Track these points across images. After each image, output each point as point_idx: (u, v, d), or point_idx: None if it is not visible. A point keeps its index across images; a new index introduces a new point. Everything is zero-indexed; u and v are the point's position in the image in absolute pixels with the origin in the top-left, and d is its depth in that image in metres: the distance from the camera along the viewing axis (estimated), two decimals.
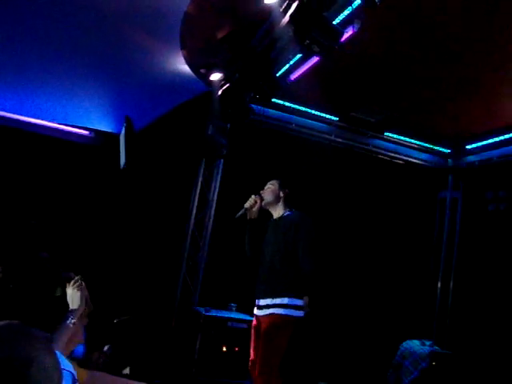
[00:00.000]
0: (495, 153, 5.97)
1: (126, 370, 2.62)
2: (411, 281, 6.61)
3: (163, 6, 3.59)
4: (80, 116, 5.73)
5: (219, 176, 5.82)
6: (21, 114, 5.59)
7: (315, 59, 4.04)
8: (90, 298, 2.11)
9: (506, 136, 5.64)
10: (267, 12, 3.57)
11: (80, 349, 2.37)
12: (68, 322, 1.90)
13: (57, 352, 1.07)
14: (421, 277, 6.75)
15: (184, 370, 4.96)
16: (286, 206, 3.83)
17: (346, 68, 4.67)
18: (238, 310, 5.35)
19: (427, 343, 5.53)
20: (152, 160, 5.55)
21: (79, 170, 5.67)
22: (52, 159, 5.60)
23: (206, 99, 4.94)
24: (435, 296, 6.70)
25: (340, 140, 6.22)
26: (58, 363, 1.02)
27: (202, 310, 5.13)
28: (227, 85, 4.64)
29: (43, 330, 1.08)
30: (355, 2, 3.27)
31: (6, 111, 5.52)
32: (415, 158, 6.65)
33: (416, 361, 5.31)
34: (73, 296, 2.03)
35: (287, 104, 5.81)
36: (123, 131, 5.27)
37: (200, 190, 5.77)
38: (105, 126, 5.87)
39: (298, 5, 3.21)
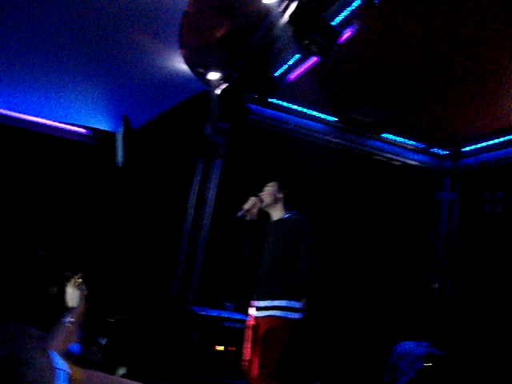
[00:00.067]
0: (492, 155, 6.00)
1: (123, 370, 2.61)
2: (408, 281, 6.63)
3: (162, 4, 3.59)
4: (78, 114, 5.72)
5: (217, 175, 5.82)
6: (18, 112, 5.58)
7: (314, 59, 4.04)
8: (86, 297, 2.10)
9: (503, 138, 5.66)
10: (266, 12, 3.58)
11: (76, 346, 2.37)
12: (65, 321, 1.89)
13: (52, 351, 1.06)
14: (417, 278, 6.76)
15: (179, 369, 4.95)
16: (286, 207, 3.83)
17: (344, 69, 4.68)
18: (234, 310, 5.35)
19: (423, 344, 5.55)
20: (149, 159, 5.55)
21: (76, 168, 5.66)
22: (49, 157, 5.59)
23: (204, 98, 4.94)
24: (432, 297, 6.71)
25: (337, 141, 6.23)
26: (51, 363, 1.02)
27: (197, 309, 5.12)
28: (225, 84, 4.63)
29: (39, 328, 1.07)
30: (354, 3, 3.28)
31: (3, 109, 5.51)
32: (412, 160, 6.67)
33: (412, 362, 5.32)
34: (72, 295, 2.03)
35: (285, 104, 5.81)
36: (121, 130, 5.26)
37: (197, 189, 5.77)
38: (103, 125, 5.86)
39: (297, 5, 3.21)
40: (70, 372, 1.83)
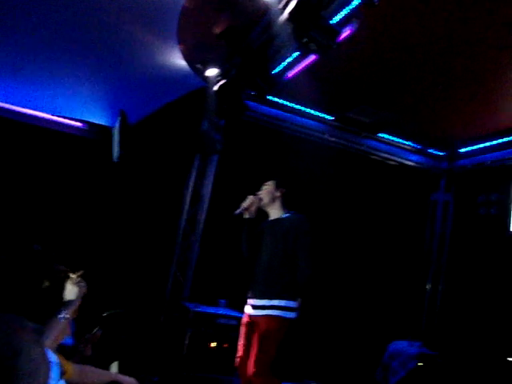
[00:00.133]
0: (488, 157, 6.02)
1: (115, 366, 2.61)
2: (401, 282, 6.65)
3: (161, 0, 3.58)
4: (74, 108, 5.69)
5: (213, 172, 5.81)
6: (14, 105, 5.54)
7: (312, 58, 4.03)
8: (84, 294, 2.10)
9: (500, 141, 5.68)
10: (265, 9, 3.57)
11: (69, 339, 2.36)
12: (61, 316, 1.89)
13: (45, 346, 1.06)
14: (410, 278, 6.78)
15: (173, 365, 4.95)
16: (283, 206, 3.84)
17: (342, 67, 4.68)
18: (228, 307, 5.35)
19: (415, 344, 5.57)
20: (145, 154, 5.53)
21: (72, 162, 5.63)
22: (44, 150, 5.56)
23: (202, 94, 4.93)
24: (424, 297, 6.74)
25: (334, 139, 6.23)
26: (45, 355, 1.02)
27: (191, 305, 5.12)
28: (223, 81, 4.62)
29: (33, 322, 1.07)
30: (354, 2, 3.27)
31: None
32: (408, 160, 6.69)
33: (404, 361, 5.35)
34: (71, 292, 2.03)
35: (282, 102, 5.81)
36: (117, 124, 5.24)
37: (193, 185, 5.76)
38: (99, 119, 5.84)
39: (296, 2, 3.20)
40: (62, 366, 1.82)
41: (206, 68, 4.66)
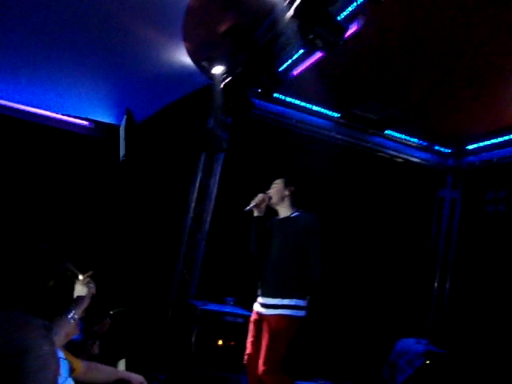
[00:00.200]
0: (495, 154, 5.98)
1: (122, 364, 2.62)
2: (408, 279, 6.63)
3: None
4: (80, 106, 5.70)
5: (219, 170, 5.81)
6: (19, 103, 5.56)
7: (318, 55, 4.02)
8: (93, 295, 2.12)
9: (507, 137, 5.63)
10: (271, 5, 3.55)
11: (77, 335, 2.37)
12: (70, 316, 1.89)
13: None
14: (417, 276, 6.76)
15: (179, 362, 4.96)
16: (293, 204, 3.83)
17: (348, 64, 4.65)
18: (235, 304, 5.35)
19: (422, 342, 5.55)
20: (152, 152, 5.53)
21: (78, 161, 5.64)
22: (51, 149, 5.58)
23: (208, 92, 4.92)
24: (431, 295, 6.71)
25: (340, 137, 6.21)
26: (55, 351, 1.01)
27: (198, 303, 5.13)
28: (229, 78, 4.62)
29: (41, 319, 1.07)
30: None
31: (5, 100, 5.49)
32: (415, 157, 6.65)
33: (410, 359, 5.32)
34: (80, 292, 2.04)
35: (289, 99, 5.79)
36: (123, 123, 5.25)
37: (199, 183, 5.76)
38: (105, 117, 5.85)
39: None
40: (72, 364, 1.83)
41: (211, 66, 4.65)
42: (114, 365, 2.62)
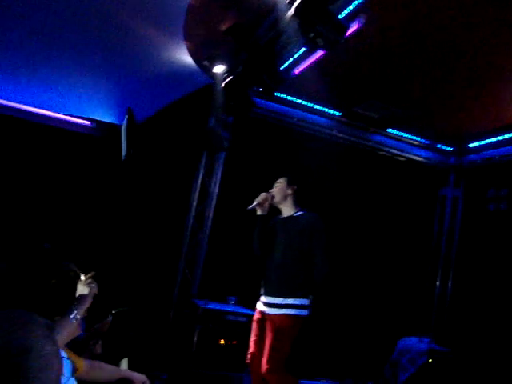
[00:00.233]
0: (497, 152, 5.96)
1: (125, 363, 2.63)
2: (410, 278, 6.62)
3: None
4: (82, 106, 5.71)
5: (220, 169, 5.81)
6: (21, 103, 5.57)
7: (319, 53, 4.02)
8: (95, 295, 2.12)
9: (509, 135, 5.61)
10: (272, 4, 3.55)
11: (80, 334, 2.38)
12: (72, 317, 1.89)
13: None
14: (419, 274, 6.75)
15: (182, 362, 4.97)
16: (296, 203, 3.83)
17: (349, 62, 4.64)
18: (237, 304, 5.36)
19: (425, 340, 5.54)
20: (153, 152, 5.54)
21: (80, 161, 5.65)
22: (53, 149, 5.59)
23: (209, 91, 4.92)
24: (434, 293, 6.70)
25: (342, 135, 6.20)
26: (57, 350, 1.01)
27: (200, 302, 5.13)
28: (230, 77, 4.61)
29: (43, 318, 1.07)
30: None
31: (7, 100, 5.50)
32: (417, 156, 6.63)
33: (413, 357, 5.32)
34: (82, 292, 2.04)
35: (290, 98, 5.78)
36: (125, 122, 5.25)
37: (201, 182, 5.76)
38: (106, 117, 5.85)
39: None
40: (74, 363, 1.83)
41: (212, 65, 4.64)
42: (117, 364, 2.62)
